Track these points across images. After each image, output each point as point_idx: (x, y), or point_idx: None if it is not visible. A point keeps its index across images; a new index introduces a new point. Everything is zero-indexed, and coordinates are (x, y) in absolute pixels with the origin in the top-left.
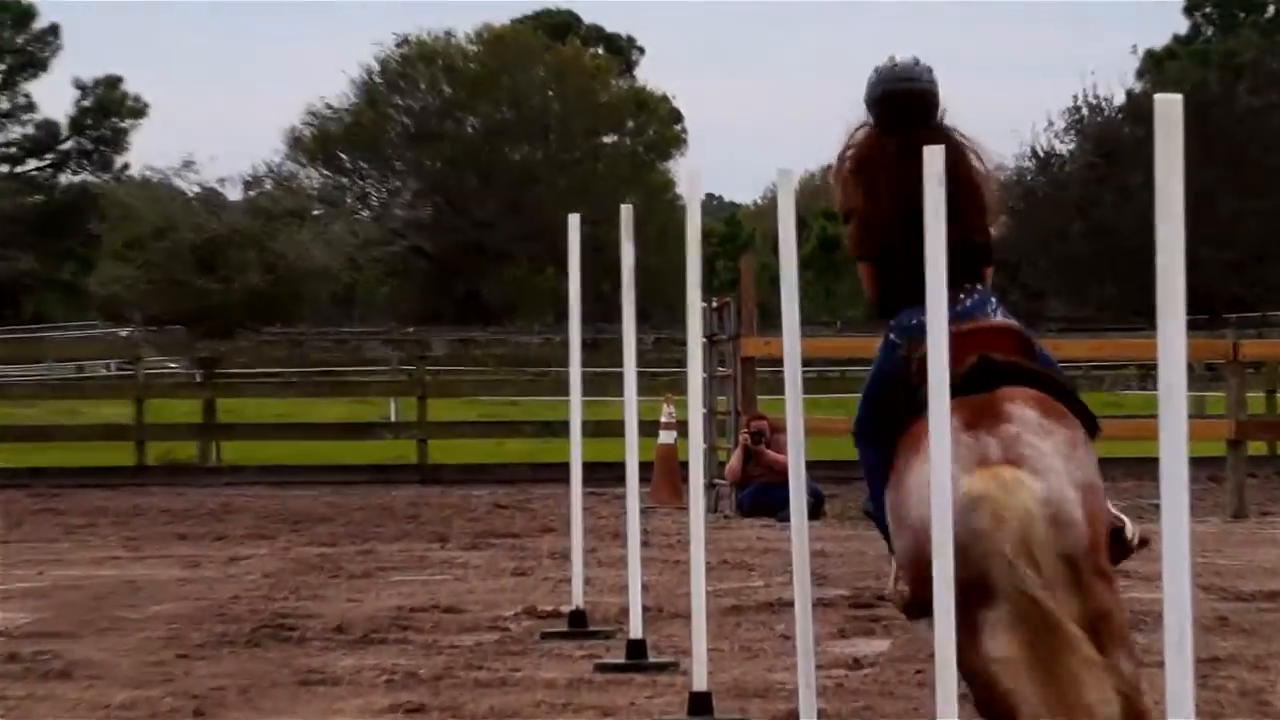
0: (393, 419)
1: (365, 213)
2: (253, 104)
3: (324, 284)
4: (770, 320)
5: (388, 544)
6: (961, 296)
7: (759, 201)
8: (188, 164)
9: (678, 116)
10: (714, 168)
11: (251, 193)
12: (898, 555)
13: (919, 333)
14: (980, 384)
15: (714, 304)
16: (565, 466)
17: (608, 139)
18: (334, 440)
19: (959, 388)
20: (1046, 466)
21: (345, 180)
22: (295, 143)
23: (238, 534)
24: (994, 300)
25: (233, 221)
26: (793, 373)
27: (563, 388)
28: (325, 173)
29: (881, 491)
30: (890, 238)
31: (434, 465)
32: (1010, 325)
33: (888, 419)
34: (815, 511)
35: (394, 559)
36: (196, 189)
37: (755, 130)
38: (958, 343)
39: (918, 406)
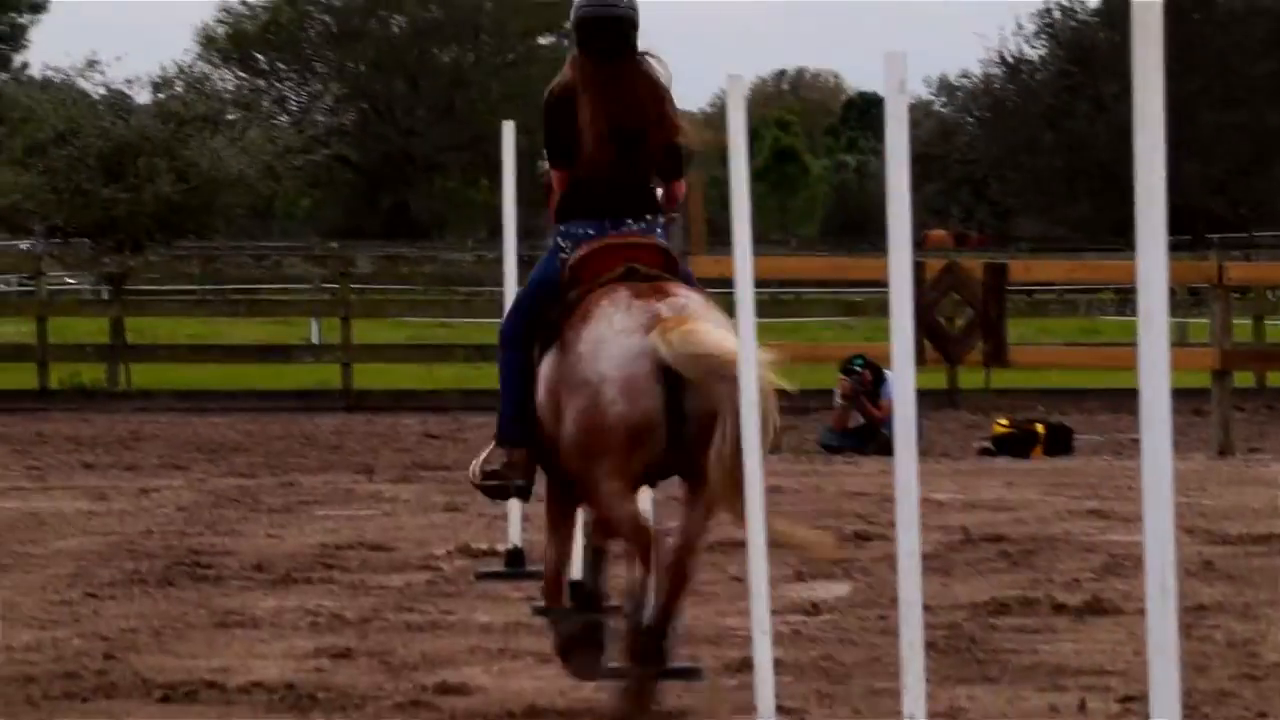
0: (315, 341)
1: (284, 118)
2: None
3: (240, 195)
4: (720, 238)
5: (310, 476)
6: (630, 222)
7: (707, 110)
8: (92, 64)
9: None
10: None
11: (161, 96)
12: (568, 421)
13: (582, 240)
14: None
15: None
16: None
17: (544, 40)
18: (252, 364)
19: (619, 278)
20: (713, 322)
21: (262, 83)
22: (208, 42)
23: (149, 464)
24: (660, 230)
25: (141, 126)
26: (745, 295)
27: (497, 309)
28: (241, 75)
29: (522, 395)
30: (586, 153)
31: (359, 391)
32: (661, 244)
33: (539, 324)
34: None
35: (317, 492)
36: (102, 91)
37: (702, 31)
38: (611, 251)
39: (568, 309)
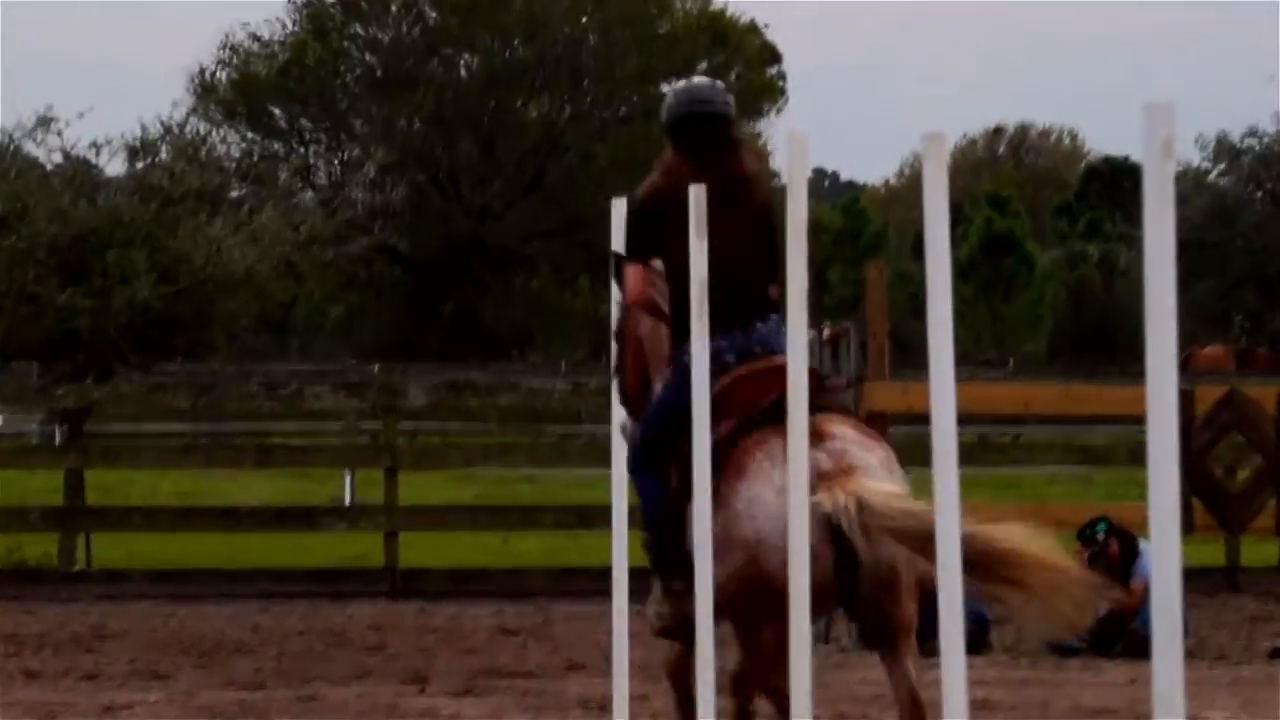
0: (348, 502)
1: (310, 195)
2: (143, 33)
3: (248, 300)
4: (909, 357)
5: (340, 687)
6: (757, 324)
7: (892, 182)
8: (45, 121)
9: (773, 55)
10: (825, 131)
11: (140, 165)
12: (723, 576)
13: (725, 366)
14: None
15: (825, 332)
16: (603, 573)
17: (668, 87)
18: (260, 532)
19: (768, 415)
20: (878, 474)
21: (279, 146)
22: (205, 91)
23: (116, 671)
24: (778, 324)
25: (113, 207)
26: (944, 436)
27: (601, 455)
28: (250, 135)
29: (662, 518)
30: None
31: (409, 570)
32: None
33: (676, 446)
34: (977, 642)
35: (349, 709)
36: (59, 159)
37: (885, 79)
38: (756, 379)
39: (716, 452)
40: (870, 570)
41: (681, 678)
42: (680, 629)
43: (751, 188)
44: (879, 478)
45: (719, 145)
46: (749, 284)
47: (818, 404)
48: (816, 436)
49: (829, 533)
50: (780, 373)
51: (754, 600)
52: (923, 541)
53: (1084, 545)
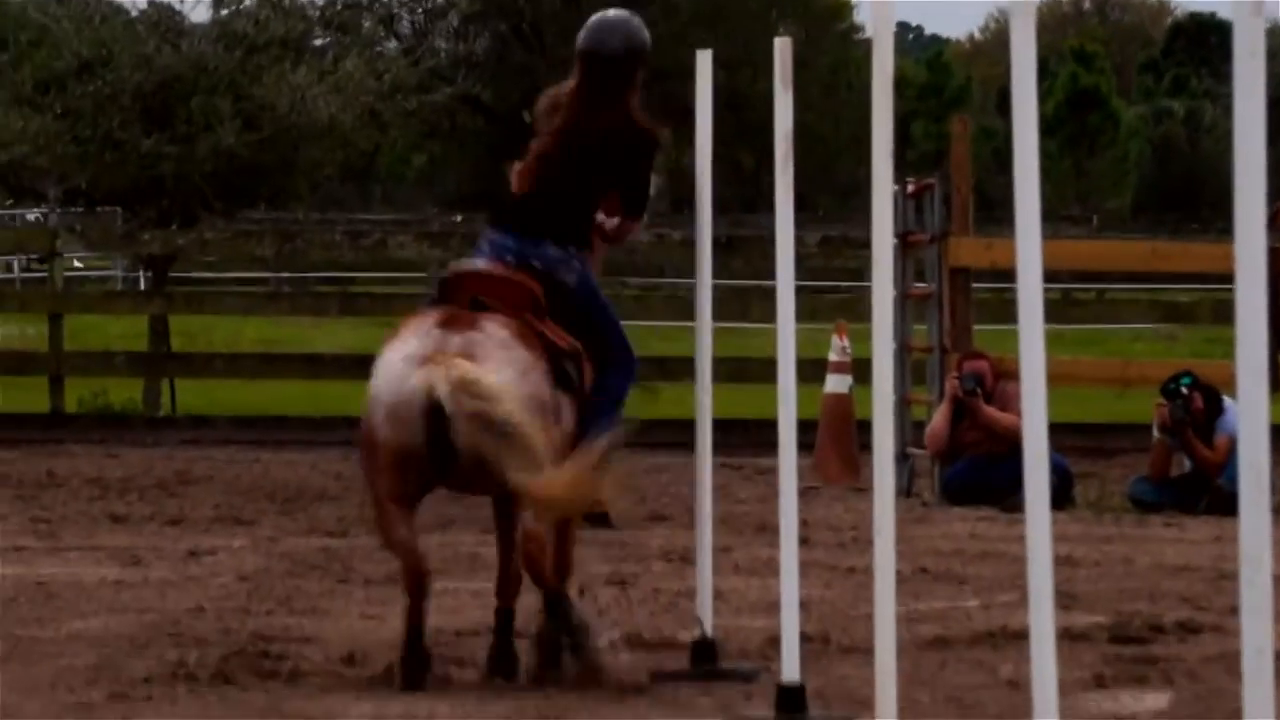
0: None
1: (393, 44)
2: None
3: (331, 148)
4: (993, 212)
5: (423, 535)
6: (549, 245)
7: (976, 36)
8: None
9: None
10: None
11: (224, 12)
12: (359, 434)
13: (477, 254)
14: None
15: (910, 187)
16: (687, 425)
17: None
18: (344, 379)
19: (443, 296)
20: (492, 365)
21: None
22: None
23: (200, 516)
24: (577, 262)
25: (197, 54)
26: (1030, 291)
27: (683, 308)
28: None
29: None
30: (533, 165)
31: None
32: (530, 286)
33: None
34: (1061, 497)
35: (433, 557)
36: (144, 4)
37: None
38: (472, 279)
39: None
40: (465, 448)
41: None
42: None
43: (610, 138)
44: (489, 369)
45: (605, 85)
46: (556, 207)
47: (486, 303)
48: (460, 323)
49: (425, 407)
50: (494, 281)
51: (364, 451)
52: (493, 433)
53: (1166, 399)
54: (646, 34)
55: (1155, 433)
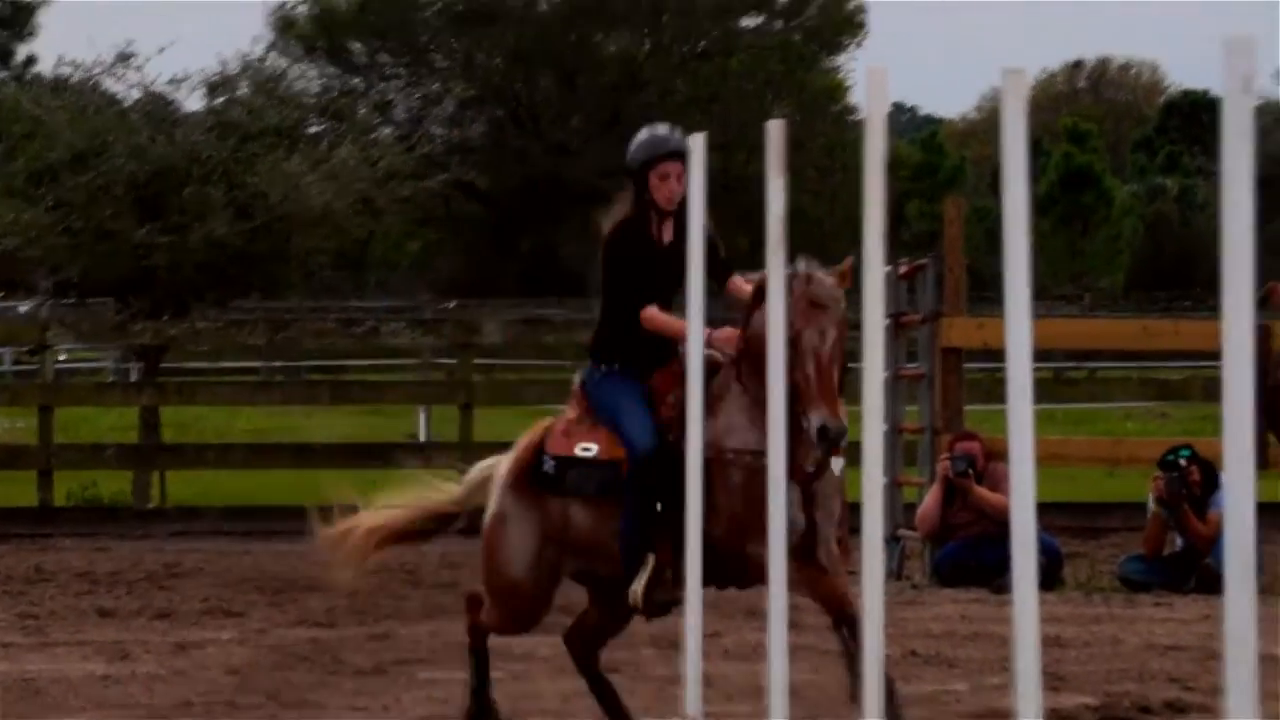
0: (423, 438)
1: (389, 131)
2: None
3: (325, 237)
4: (985, 292)
5: (413, 625)
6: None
7: (971, 117)
8: (124, 58)
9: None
10: (903, 66)
11: (219, 101)
12: None
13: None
14: None
15: (903, 267)
16: None
17: (748, 21)
18: (334, 469)
19: None
20: None
21: (359, 82)
22: (284, 26)
23: (189, 609)
24: None
25: (190, 144)
26: (1020, 372)
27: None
28: (329, 70)
29: None
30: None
31: (482, 509)
32: None
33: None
34: (1050, 578)
35: (422, 647)
36: (137, 95)
37: (965, 12)
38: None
39: None
40: None
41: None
42: None
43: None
44: None
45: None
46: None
47: None
48: None
49: None
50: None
51: None
52: None
53: (1164, 471)
54: None
55: (1151, 505)
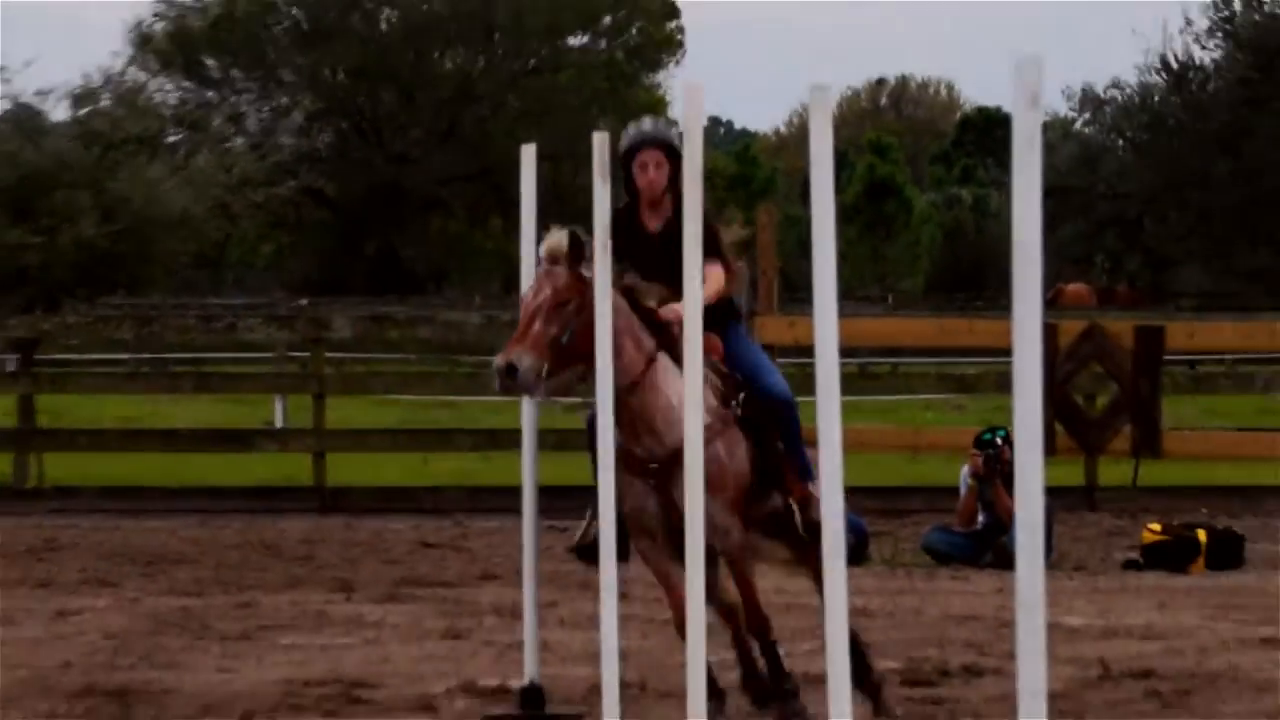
0: (279, 425)
1: (241, 141)
2: None
3: (184, 238)
4: (797, 294)
5: (273, 594)
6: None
7: (782, 130)
8: None
9: (672, 11)
10: (719, 82)
11: (83, 112)
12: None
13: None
14: None
15: None
16: (514, 491)
17: (574, 40)
18: (198, 452)
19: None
20: None
21: (213, 95)
22: (143, 42)
23: (67, 580)
24: None
25: (58, 151)
26: (828, 366)
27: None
28: (186, 85)
29: None
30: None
31: (336, 489)
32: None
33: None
34: (857, 554)
35: (281, 615)
36: (6, 105)
37: (776, 32)
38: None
39: None
40: None
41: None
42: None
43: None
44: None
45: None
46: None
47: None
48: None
49: None
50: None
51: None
52: None
53: (979, 449)
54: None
55: (968, 480)
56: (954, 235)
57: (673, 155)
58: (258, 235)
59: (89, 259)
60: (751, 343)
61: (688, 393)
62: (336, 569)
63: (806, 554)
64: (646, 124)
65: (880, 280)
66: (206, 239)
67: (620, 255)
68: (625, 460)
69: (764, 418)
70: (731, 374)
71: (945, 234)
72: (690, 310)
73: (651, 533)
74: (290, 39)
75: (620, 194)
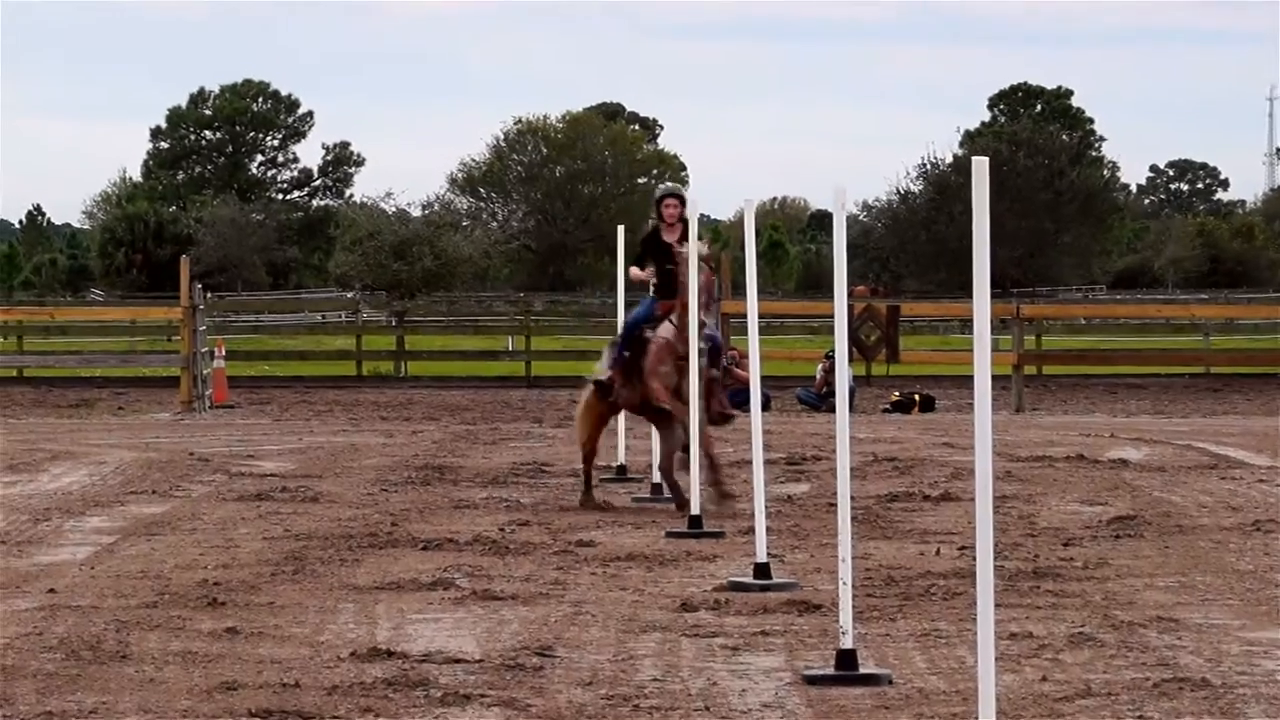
0: (510, 349)
1: (494, 224)
2: (427, 157)
3: (469, 267)
4: (740, 291)
5: (508, 424)
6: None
7: (732, 219)
8: (388, 194)
9: (684, 167)
10: (706, 198)
11: (426, 211)
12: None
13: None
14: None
15: None
16: None
17: (641, 181)
18: (476, 361)
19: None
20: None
21: (483, 205)
22: (453, 181)
23: (417, 417)
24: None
25: (415, 229)
26: (753, 322)
27: (613, 331)
28: (471, 199)
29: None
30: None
31: (535, 377)
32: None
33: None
34: (766, 406)
35: (511, 433)
36: (393, 208)
37: (732, 175)
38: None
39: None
40: None
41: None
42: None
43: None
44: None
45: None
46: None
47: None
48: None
49: None
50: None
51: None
52: None
53: (826, 358)
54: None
55: (820, 371)
56: (809, 266)
57: (682, 201)
58: (501, 266)
59: (428, 276)
60: (716, 311)
61: (692, 348)
62: (535, 413)
63: (712, 419)
64: (669, 185)
65: (775, 285)
66: (479, 268)
67: (650, 254)
68: (670, 350)
69: (713, 353)
70: (703, 326)
71: (805, 266)
72: (690, 290)
73: (666, 381)
74: (517, 180)
75: (651, 221)
